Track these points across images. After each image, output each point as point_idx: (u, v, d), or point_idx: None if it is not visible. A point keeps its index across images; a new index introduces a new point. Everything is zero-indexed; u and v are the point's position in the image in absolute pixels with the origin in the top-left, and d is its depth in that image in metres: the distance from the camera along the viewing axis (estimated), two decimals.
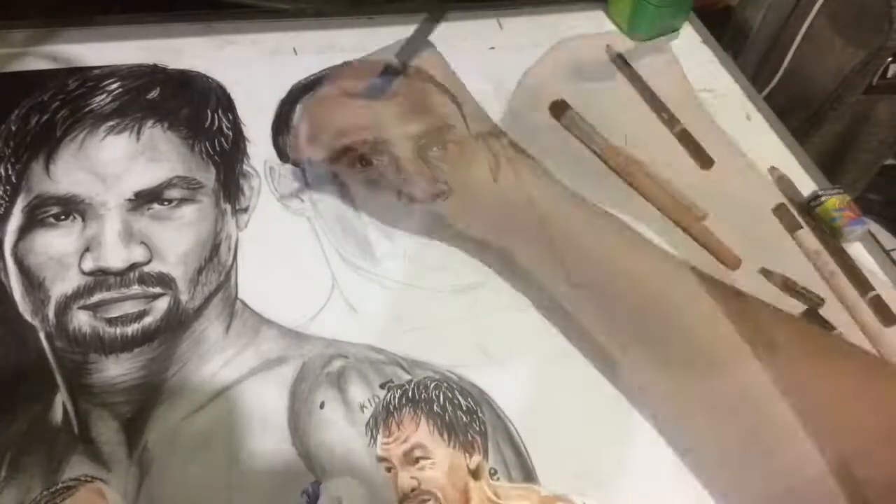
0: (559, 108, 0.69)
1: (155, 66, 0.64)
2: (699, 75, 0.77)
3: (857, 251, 0.63)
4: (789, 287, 0.58)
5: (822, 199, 0.63)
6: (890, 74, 1.19)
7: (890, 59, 1.16)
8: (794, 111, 1.24)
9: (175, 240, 0.53)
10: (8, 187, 0.54)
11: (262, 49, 0.70)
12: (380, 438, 0.46)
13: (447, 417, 0.47)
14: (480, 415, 0.48)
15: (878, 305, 0.58)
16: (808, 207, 0.64)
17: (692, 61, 0.79)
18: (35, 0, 0.71)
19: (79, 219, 0.52)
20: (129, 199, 0.53)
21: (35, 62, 0.64)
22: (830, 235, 0.62)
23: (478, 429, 0.47)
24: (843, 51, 1.17)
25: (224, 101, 0.63)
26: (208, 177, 0.57)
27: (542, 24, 0.79)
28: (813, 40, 1.20)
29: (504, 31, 0.78)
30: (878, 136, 1.27)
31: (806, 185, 0.67)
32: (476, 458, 0.46)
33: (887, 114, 1.24)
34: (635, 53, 0.77)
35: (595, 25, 0.81)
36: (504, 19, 0.79)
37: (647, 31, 0.80)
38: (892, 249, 0.91)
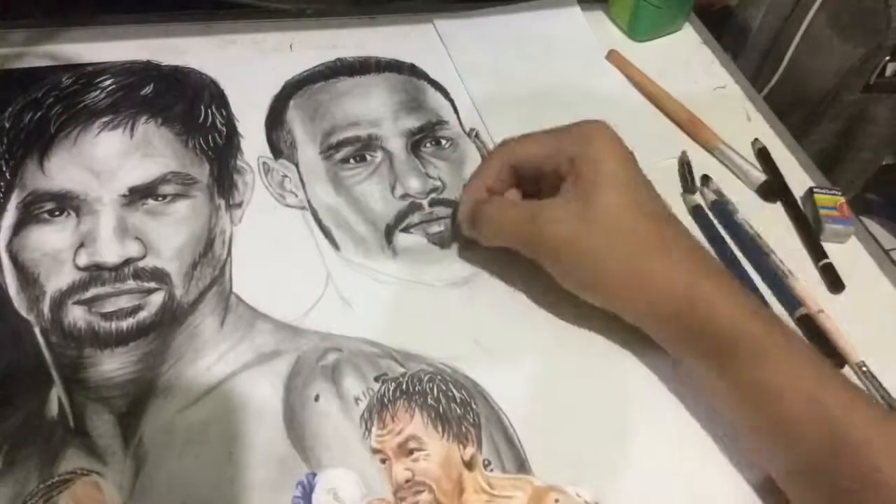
0: None
1: (148, 62, 0.65)
2: (699, 75, 0.77)
3: (857, 249, 0.63)
4: None
5: (816, 194, 0.64)
6: (888, 73, 1.19)
7: (888, 58, 1.16)
8: (792, 110, 1.25)
9: (169, 235, 0.53)
10: (2, 184, 0.54)
11: (263, 48, 0.70)
12: (374, 430, 0.46)
13: (441, 409, 0.47)
14: (474, 407, 0.48)
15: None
16: (803, 199, 0.65)
17: (692, 61, 0.79)
18: None
19: (73, 215, 0.53)
20: (124, 195, 0.54)
21: (36, 62, 0.65)
22: (814, 225, 0.63)
23: (471, 420, 0.47)
24: (842, 50, 1.17)
25: (217, 97, 0.63)
26: (202, 172, 0.57)
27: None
28: (812, 40, 1.20)
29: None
30: (877, 134, 1.27)
31: (806, 184, 0.67)
32: (470, 450, 0.46)
33: (885, 113, 1.25)
34: None
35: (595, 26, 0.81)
36: (501, 17, 0.79)
37: (647, 32, 0.80)
38: (892, 249, 0.91)
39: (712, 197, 0.64)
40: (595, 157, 0.49)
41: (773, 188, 0.65)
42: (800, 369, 0.44)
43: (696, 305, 0.46)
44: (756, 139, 0.70)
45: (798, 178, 0.67)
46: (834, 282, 0.59)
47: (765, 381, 0.44)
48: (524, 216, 0.51)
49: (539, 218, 0.50)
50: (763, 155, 0.68)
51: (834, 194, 0.64)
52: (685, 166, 0.66)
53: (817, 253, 0.61)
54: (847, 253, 0.62)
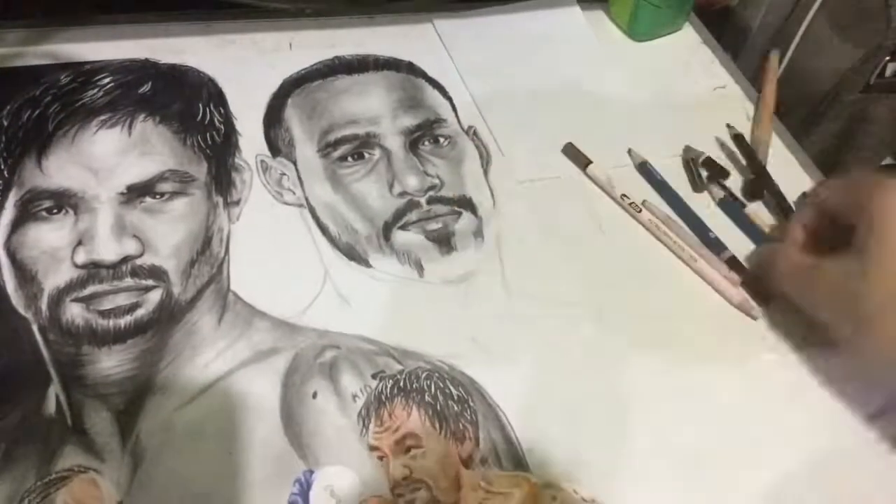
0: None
1: (146, 60, 0.65)
2: (699, 75, 0.78)
3: None
4: None
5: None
6: (888, 73, 1.19)
7: (888, 58, 1.16)
8: (792, 110, 1.24)
9: (167, 233, 0.53)
10: (0, 181, 0.54)
11: (262, 48, 0.70)
12: (371, 428, 0.46)
13: (438, 407, 0.47)
14: (471, 404, 0.48)
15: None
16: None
17: (692, 61, 0.79)
18: None
19: (71, 212, 0.53)
20: (122, 193, 0.54)
21: (34, 61, 0.64)
22: None
23: (469, 418, 0.47)
24: (842, 50, 1.17)
25: (216, 95, 0.63)
26: (200, 170, 0.57)
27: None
28: (811, 39, 1.20)
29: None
30: (877, 134, 1.27)
31: (806, 184, 0.67)
32: (467, 447, 0.46)
33: (885, 113, 1.24)
34: None
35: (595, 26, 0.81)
36: (501, 17, 0.79)
37: (647, 32, 0.80)
38: None
39: (720, 194, 0.64)
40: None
41: (757, 186, 0.65)
42: None
43: None
44: (729, 124, 0.70)
45: (798, 178, 0.67)
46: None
47: None
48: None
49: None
50: (739, 140, 0.68)
51: None
52: (691, 164, 0.66)
53: None
54: None
